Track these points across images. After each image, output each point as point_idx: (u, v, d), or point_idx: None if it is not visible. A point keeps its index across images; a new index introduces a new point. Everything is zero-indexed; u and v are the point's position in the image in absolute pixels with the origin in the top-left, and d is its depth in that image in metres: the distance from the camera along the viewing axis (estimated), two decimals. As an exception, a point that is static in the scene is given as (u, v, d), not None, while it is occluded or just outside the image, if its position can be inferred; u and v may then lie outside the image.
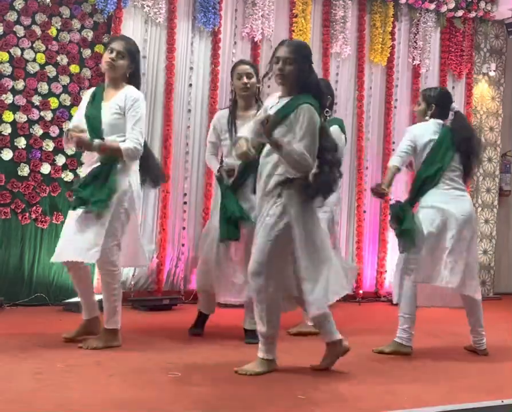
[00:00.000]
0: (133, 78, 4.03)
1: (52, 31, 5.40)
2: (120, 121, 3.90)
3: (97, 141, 3.80)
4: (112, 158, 3.85)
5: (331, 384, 3.36)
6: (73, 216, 3.87)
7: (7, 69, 5.25)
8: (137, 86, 4.06)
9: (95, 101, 3.99)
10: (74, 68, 5.46)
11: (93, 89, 4.15)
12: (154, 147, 5.69)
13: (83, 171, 4.02)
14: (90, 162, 3.93)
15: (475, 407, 3.01)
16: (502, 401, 3.07)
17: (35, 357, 3.56)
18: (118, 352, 3.83)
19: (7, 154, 5.23)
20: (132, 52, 4.01)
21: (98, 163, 3.87)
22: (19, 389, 2.97)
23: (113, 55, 3.92)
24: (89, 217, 3.79)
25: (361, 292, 6.53)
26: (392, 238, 6.27)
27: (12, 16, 5.27)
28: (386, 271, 6.70)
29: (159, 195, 5.78)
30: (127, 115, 3.91)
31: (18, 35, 5.29)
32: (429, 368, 3.83)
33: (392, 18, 6.82)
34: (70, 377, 3.22)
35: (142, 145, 3.91)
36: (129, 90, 3.96)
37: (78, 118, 4.01)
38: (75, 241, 3.80)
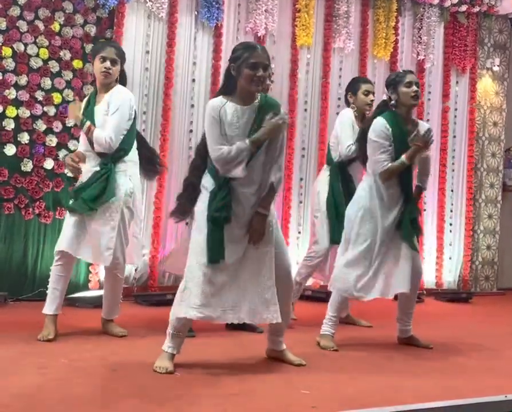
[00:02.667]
0: (121, 78, 4.11)
1: (55, 26, 5.40)
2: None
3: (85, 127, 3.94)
4: (114, 158, 3.94)
5: (332, 379, 3.36)
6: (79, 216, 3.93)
7: (10, 64, 5.24)
8: (124, 83, 4.15)
9: (89, 107, 4.05)
10: (77, 64, 5.46)
11: (87, 97, 4.19)
12: (155, 142, 5.72)
13: (83, 178, 4.00)
14: (89, 168, 3.98)
15: (478, 401, 3.01)
16: (505, 397, 3.06)
17: (39, 352, 3.57)
18: (122, 347, 3.84)
19: (10, 149, 5.23)
20: (122, 57, 4.11)
21: (97, 168, 3.94)
22: (22, 384, 2.97)
23: (108, 64, 3.97)
24: (99, 221, 3.90)
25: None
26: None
27: (15, 11, 5.27)
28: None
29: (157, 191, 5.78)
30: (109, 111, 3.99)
31: (21, 30, 5.29)
32: (431, 364, 3.82)
33: (396, 13, 6.81)
34: (74, 372, 3.22)
35: (114, 140, 3.90)
36: (115, 90, 4.02)
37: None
38: (88, 243, 3.91)
